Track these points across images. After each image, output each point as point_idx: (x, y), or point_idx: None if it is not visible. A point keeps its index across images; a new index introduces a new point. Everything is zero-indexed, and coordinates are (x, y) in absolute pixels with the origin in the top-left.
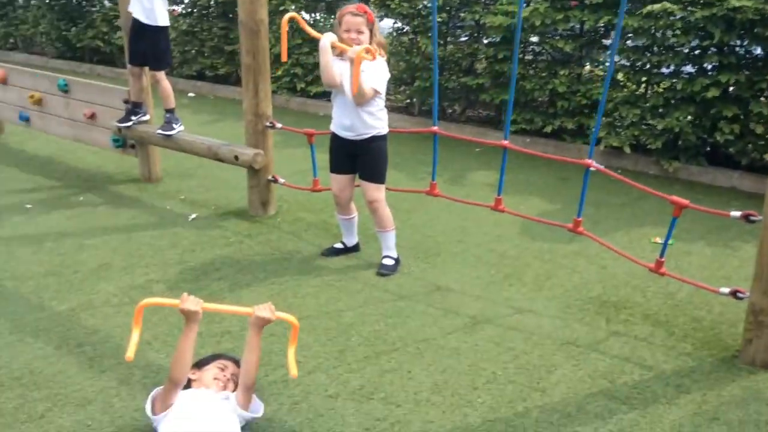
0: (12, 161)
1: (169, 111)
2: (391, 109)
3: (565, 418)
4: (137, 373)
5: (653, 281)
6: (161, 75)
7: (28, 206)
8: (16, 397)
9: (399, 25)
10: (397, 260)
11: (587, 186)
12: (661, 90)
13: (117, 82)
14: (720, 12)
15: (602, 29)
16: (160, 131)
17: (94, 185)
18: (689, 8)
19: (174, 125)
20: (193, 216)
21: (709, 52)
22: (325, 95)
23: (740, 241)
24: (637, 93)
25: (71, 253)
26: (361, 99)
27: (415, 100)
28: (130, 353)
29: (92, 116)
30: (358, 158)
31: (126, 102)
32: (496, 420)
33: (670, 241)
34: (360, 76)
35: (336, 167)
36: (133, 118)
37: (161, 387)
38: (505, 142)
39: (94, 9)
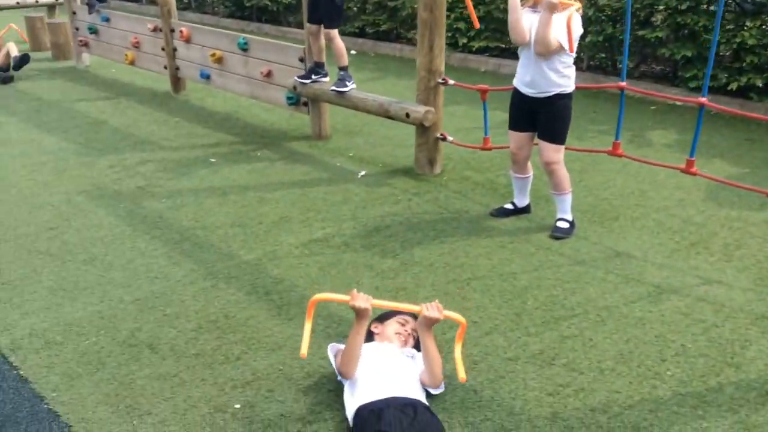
0: (194, 117)
1: (343, 68)
2: None
3: (762, 396)
4: (321, 323)
5: None
6: (335, 33)
7: (212, 160)
8: (213, 339)
9: None
10: (572, 223)
11: None
12: None
13: (284, 40)
14: None
15: None
16: (334, 88)
17: (269, 141)
18: None
19: (347, 82)
20: (363, 173)
21: None
22: (487, 50)
23: None
24: None
25: (254, 206)
26: (543, 49)
27: (583, 54)
28: (304, 350)
29: (269, 74)
30: (538, 116)
31: (301, 60)
32: (687, 394)
33: None
34: (549, 25)
35: (515, 124)
36: (314, 77)
37: (341, 345)
38: (703, 99)
39: None
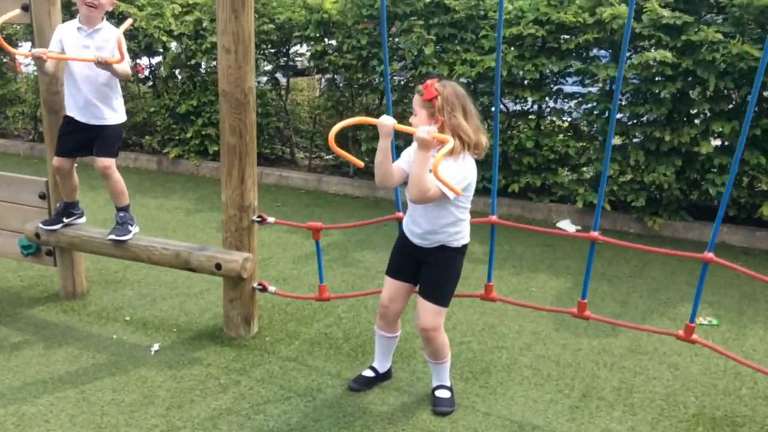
0: None
1: (123, 209)
2: (324, 168)
3: None
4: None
5: (734, 378)
6: (112, 164)
7: None
8: None
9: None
10: (452, 390)
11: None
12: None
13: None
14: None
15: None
16: (114, 237)
17: None
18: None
19: (130, 227)
20: (156, 347)
21: (698, 99)
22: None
23: None
24: (616, 145)
25: None
26: (417, 196)
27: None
28: None
29: None
30: (421, 267)
31: (42, 197)
32: None
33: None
34: (424, 167)
35: (394, 270)
36: (66, 219)
37: None
38: (494, 218)
39: None
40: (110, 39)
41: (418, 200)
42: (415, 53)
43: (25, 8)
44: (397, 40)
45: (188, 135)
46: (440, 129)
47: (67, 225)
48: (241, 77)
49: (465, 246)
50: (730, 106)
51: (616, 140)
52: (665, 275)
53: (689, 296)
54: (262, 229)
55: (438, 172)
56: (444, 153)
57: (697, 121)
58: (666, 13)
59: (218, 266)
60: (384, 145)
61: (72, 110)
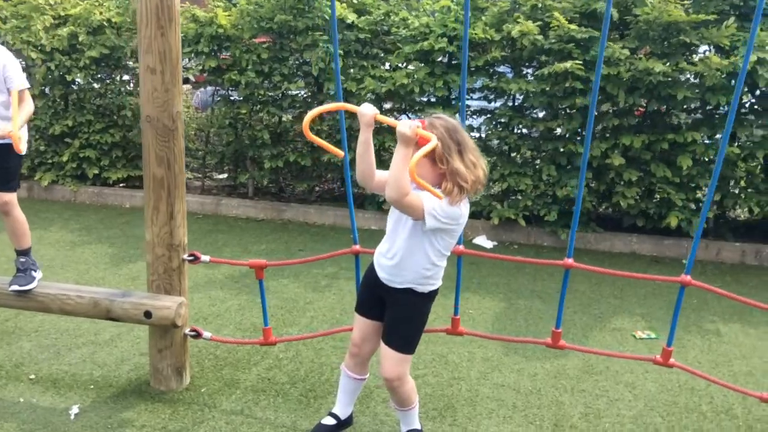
0: None
1: (24, 253)
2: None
3: None
4: None
5: (690, 394)
6: (12, 199)
7: None
8: None
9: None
10: None
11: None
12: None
13: None
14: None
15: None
16: (16, 287)
17: None
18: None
19: (34, 272)
20: (76, 410)
21: (610, 112)
22: (129, 181)
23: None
24: (529, 161)
25: None
26: (394, 192)
27: (248, 179)
28: None
29: None
30: (386, 308)
31: None
32: None
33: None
34: (405, 162)
35: (362, 305)
36: None
37: None
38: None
39: None
40: None
41: (395, 201)
42: (322, 67)
43: None
44: (304, 55)
45: (63, 158)
46: (442, 178)
47: None
48: (169, 101)
49: (434, 292)
50: (637, 120)
51: (528, 155)
52: (591, 288)
53: (620, 309)
54: None
55: (415, 174)
56: (424, 153)
57: (607, 135)
58: (574, 27)
59: (147, 314)
60: (365, 137)
61: None
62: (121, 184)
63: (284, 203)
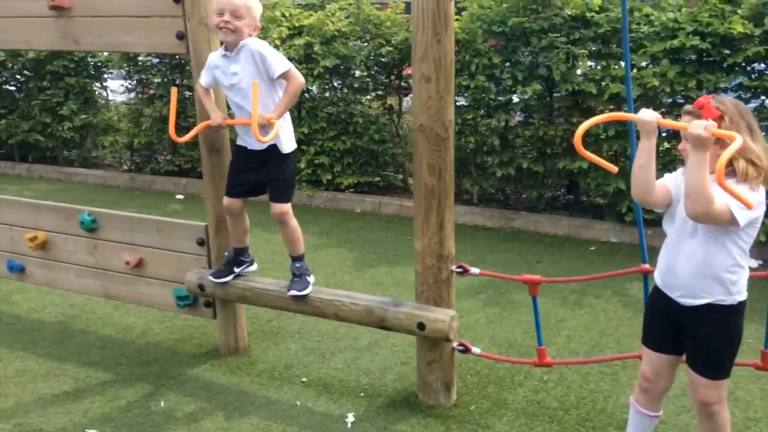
0: None
1: (299, 258)
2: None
3: None
4: None
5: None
6: (289, 210)
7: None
8: None
9: None
10: None
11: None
12: None
13: (68, 184)
14: None
15: None
16: (294, 292)
17: (159, 369)
18: None
19: (308, 277)
20: (351, 418)
21: None
22: (359, 187)
23: None
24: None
25: None
26: (694, 208)
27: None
28: None
29: (139, 264)
30: (687, 333)
31: (201, 243)
32: None
33: None
34: (704, 169)
35: (652, 339)
36: (237, 269)
37: None
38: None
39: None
40: (249, 59)
41: (700, 214)
42: (564, 70)
43: (180, 37)
44: (539, 57)
45: (300, 164)
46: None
47: (238, 275)
48: (442, 109)
49: (742, 303)
50: None
51: None
52: None
53: None
54: (406, 268)
55: (723, 179)
56: (730, 153)
57: None
58: None
59: (421, 326)
60: (647, 147)
61: (242, 139)
62: (350, 190)
63: (512, 211)
